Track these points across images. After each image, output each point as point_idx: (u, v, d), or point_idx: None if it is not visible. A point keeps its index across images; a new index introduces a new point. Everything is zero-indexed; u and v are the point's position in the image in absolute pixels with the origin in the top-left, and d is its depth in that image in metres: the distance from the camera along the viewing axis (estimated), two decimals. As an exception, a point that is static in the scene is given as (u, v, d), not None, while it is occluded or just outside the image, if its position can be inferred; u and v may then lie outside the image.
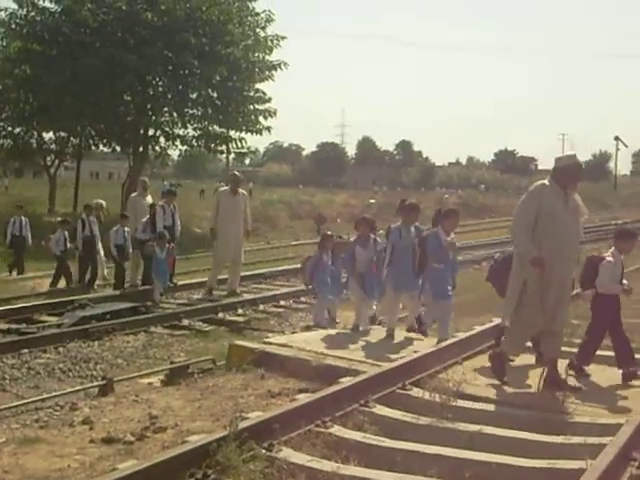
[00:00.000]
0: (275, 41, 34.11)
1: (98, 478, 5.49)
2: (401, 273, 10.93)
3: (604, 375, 8.83)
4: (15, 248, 21.84)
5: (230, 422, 6.04)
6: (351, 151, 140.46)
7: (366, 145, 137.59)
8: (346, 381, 7.83)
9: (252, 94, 34.24)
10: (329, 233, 14.09)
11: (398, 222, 11.26)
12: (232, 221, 16.99)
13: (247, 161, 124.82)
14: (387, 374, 8.14)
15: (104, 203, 20.61)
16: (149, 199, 18.90)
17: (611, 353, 9.02)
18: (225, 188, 18.01)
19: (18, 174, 78.89)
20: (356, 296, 12.04)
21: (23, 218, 22.09)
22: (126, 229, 18.05)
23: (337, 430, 6.70)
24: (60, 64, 31.73)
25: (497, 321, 10.83)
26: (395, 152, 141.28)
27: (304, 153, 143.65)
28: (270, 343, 10.25)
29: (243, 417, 6.73)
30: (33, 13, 32.89)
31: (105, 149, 38.99)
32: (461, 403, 7.58)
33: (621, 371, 8.71)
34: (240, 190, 17.41)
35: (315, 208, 46.49)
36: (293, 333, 12.21)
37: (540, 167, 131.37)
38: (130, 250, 18.01)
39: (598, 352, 8.97)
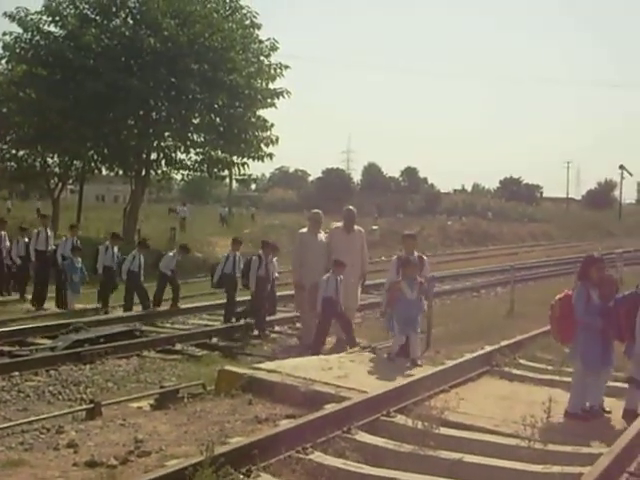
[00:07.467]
0: (278, 70, 34.19)
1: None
2: None
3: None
4: None
5: (207, 447, 6.04)
6: (357, 177, 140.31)
7: (372, 171, 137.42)
8: (329, 407, 7.84)
9: (254, 121, 34.27)
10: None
11: None
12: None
13: (253, 186, 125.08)
14: (372, 401, 8.15)
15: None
16: (322, 236, 15.31)
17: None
18: (338, 225, 15.26)
19: (24, 197, 79.24)
20: None
21: None
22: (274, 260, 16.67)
23: (317, 456, 6.72)
24: (64, 88, 31.80)
25: (489, 349, 10.88)
26: (401, 179, 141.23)
27: (310, 179, 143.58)
28: (259, 369, 10.28)
29: (222, 442, 6.74)
30: (38, 37, 32.91)
31: (108, 172, 39.04)
32: (444, 431, 7.57)
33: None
34: (356, 227, 15.03)
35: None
36: (285, 359, 12.21)
37: (545, 195, 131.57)
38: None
39: None
